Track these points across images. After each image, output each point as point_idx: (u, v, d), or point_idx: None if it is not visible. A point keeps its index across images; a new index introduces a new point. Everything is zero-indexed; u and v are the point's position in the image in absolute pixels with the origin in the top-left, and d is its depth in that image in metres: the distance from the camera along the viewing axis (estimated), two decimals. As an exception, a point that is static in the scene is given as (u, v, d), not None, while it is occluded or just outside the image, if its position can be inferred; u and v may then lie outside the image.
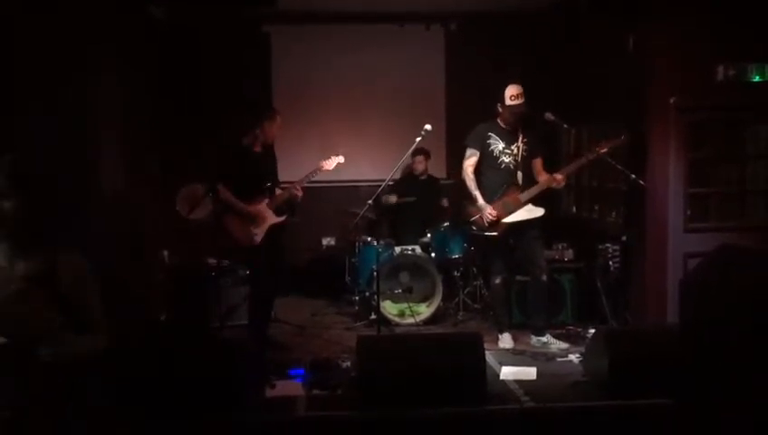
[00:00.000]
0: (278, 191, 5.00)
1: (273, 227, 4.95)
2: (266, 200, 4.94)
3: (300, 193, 4.98)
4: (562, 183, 4.90)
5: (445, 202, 6.48)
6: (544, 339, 5.04)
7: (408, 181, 6.56)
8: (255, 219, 4.89)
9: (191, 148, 6.23)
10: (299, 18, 6.90)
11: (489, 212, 4.90)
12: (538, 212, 4.95)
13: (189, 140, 6.28)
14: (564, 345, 5.01)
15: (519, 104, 4.87)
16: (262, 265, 4.98)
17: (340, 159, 5.23)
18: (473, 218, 5.03)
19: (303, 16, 6.88)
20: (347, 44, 7.07)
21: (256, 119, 4.94)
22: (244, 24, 6.80)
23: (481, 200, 4.95)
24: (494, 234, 4.94)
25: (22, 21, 3.76)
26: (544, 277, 5.01)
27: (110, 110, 4.85)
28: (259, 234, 4.88)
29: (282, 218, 5.00)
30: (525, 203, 4.93)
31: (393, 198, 6.37)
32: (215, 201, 4.98)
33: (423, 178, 6.59)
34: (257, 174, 4.93)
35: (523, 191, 4.94)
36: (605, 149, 4.84)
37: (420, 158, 6.46)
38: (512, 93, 4.88)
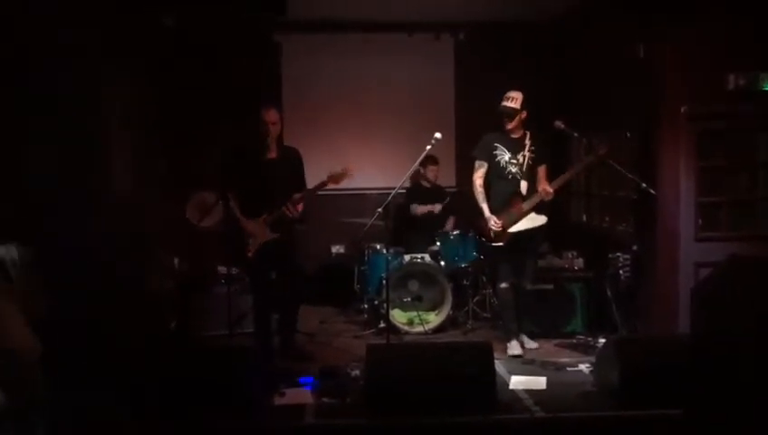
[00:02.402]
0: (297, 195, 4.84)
1: (270, 243, 4.83)
2: (264, 215, 4.82)
3: (291, 213, 4.77)
4: (551, 196, 4.91)
5: (449, 223, 6.46)
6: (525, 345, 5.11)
7: (416, 190, 6.56)
8: (250, 234, 4.81)
9: (202, 156, 6.27)
10: (309, 27, 6.94)
11: (494, 224, 4.93)
12: (540, 220, 4.98)
13: (200, 148, 6.32)
14: (534, 345, 5.12)
15: (508, 106, 4.91)
16: (256, 277, 4.97)
17: (351, 172, 4.84)
18: (481, 229, 5.08)
19: (314, 25, 6.92)
20: (357, 53, 7.11)
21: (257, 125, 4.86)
22: (254, 33, 6.83)
23: (487, 212, 4.99)
24: (501, 244, 4.98)
25: (34, 26, 3.80)
26: (528, 287, 5.14)
27: (121, 117, 4.88)
28: (251, 250, 4.81)
29: (275, 235, 4.81)
30: (528, 212, 4.96)
31: (420, 209, 6.40)
32: (225, 209, 4.97)
33: (431, 186, 6.59)
34: (266, 183, 4.83)
35: (525, 200, 4.97)
36: (601, 152, 4.86)
37: (433, 167, 6.47)
38: (507, 96, 4.95)
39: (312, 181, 4.95)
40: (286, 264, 4.97)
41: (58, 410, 2.86)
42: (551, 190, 4.89)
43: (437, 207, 6.40)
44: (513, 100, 4.92)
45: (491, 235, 4.97)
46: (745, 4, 4.84)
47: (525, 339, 5.19)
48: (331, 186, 4.84)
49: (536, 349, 5.14)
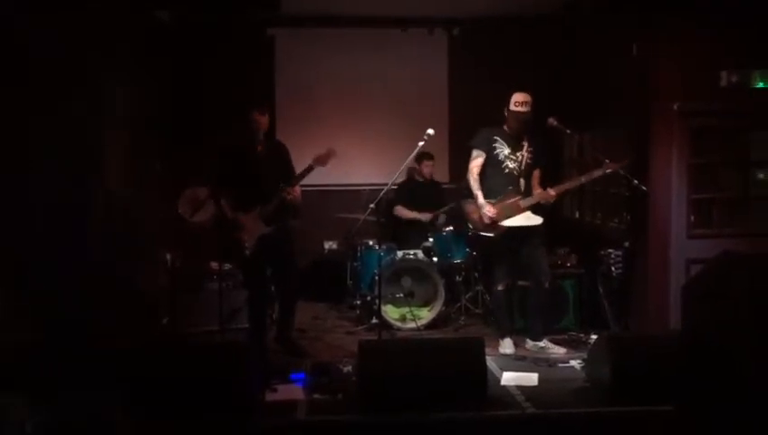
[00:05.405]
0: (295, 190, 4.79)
1: (265, 238, 4.78)
2: (258, 209, 4.77)
3: (290, 195, 4.72)
4: (553, 199, 4.89)
5: (440, 219, 6.44)
6: (541, 344, 5.03)
7: (411, 186, 6.55)
8: (244, 230, 4.78)
9: (195, 150, 6.24)
10: (303, 22, 6.92)
11: (488, 210, 4.88)
12: (536, 220, 4.93)
13: (193, 143, 6.29)
14: (562, 350, 5.00)
15: (523, 111, 4.84)
16: (251, 272, 4.95)
17: (335, 152, 4.79)
18: (471, 217, 5.03)
19: (308, 20, 6.90)
20: (350, 48, 7.09)
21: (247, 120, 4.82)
22: (248, 28, 6.82)
23: (481, 199, 4.93)
24: (491, 235, 4.93)
25: (30, 24, 3.79)
26: (547, 284, 5.01)
27: (116, 112, 4.86)
28: (249, 247, 4.77)
29: (269, 229, 4.77)
30: (525, 210, 4.92)
31: (405, 213, 6.38)
32: (216, 208, 4.94)
33: (426, 182, 6.58)
34: (255, 177, 4.78)
35: (523, 198, 4.93)
36: (608, 170, 4.78)
37: (428, 163, 6.44)
38: (517, 100, 4.86)
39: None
40: (282, 259, 4.94)
41: (53, 410, 2.85)
42: (553, 193, 4.85)
43: (426, 216, 6.32)
44: (525, 104, 4.84)
45: (481, 223, 4.93)
46: (738, 1, 4.84)
47: (529, 342, 5.09)
48: (320, 173, 4.80)
49: (530, 348, 5.10)
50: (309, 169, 4.76)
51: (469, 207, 5.05)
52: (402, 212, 6.41)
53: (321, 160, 4.76)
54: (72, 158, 4.00)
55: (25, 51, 3.74)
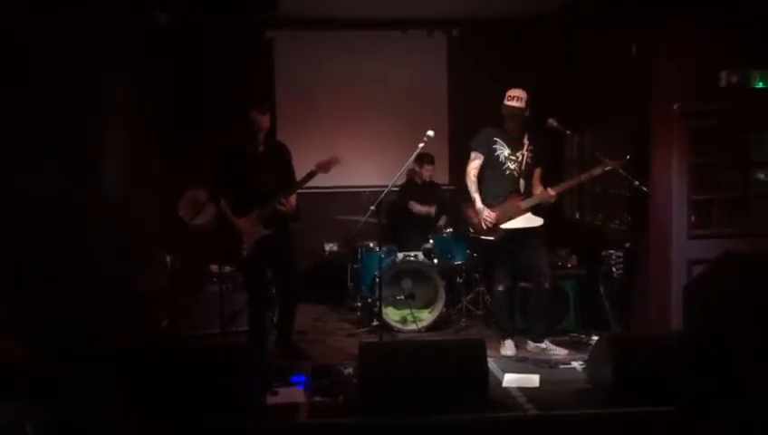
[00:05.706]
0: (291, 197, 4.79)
1: (264, 240, 4.77)
2: (256, 211, 4.75)
3: (284, 207, 4.71)
4: (553, 199, 4.90)
5: (442, 220, 6.44)
6: (543, 345, 5.02)
7: (410, 187, 6.55)
8: (242, 233, 4.76)
9: (195, 152, 6.23)
10: (302, 24, 6.92)
11: (487, 215, 4.87)
12: (536, 221, 4.92)
13: (193, 145, 6.28)
14: (563, 351, 4.99)
15: (516, 106, 4.82)
16: (250, 275, 4.93)
17: (338, 159, 4.78)
18: (471, 220, 5.01)
19: (307, 22, 6.90)
20: (350, 50, 7.09)
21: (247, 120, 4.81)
22: (247, 30, 6.82)
23: (479, 203, 4.92)
24: (491, 238, 4.92)
25: (30, 24, 3.78)
26: (547, 285, 4.99)
27: (114, 114, 4.86)
28: (246, 248, 4.75)
29: (267, 232, 4.75)
30: (526, 211, 4.91)
31: (418, 208, 6.41)
32: (216, 209, 4.93)
33: (424, 183, 6.58)
34: (254, 179, 4.77)
35: (524, 199, 4.92)
36: (607, 168, 4.78)
37: (429, 166, 6.44)
38: (510, 94, 4.85)
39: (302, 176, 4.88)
40: (282, 262, 4.92)
41: (53, 410, 2.83)
42: (553, 193, 4.86)
43: (433, 210, 6.40)
44: (518, 99, 4.83)
45: (481, 227, 4.92)
46: (738, 1, 4.84)
47: (531, 344, 5.08)
48: (320, 175, 4.77)
49: (531, 350, 5.09)
50: (311, 175, 4.75)
51: (469, 211, 5.03)
52: (417, 207, 6.41)
53: (325, 167, 4.74)
54: (71, 158, 3.99)
55: (25, 51, 3.74)
